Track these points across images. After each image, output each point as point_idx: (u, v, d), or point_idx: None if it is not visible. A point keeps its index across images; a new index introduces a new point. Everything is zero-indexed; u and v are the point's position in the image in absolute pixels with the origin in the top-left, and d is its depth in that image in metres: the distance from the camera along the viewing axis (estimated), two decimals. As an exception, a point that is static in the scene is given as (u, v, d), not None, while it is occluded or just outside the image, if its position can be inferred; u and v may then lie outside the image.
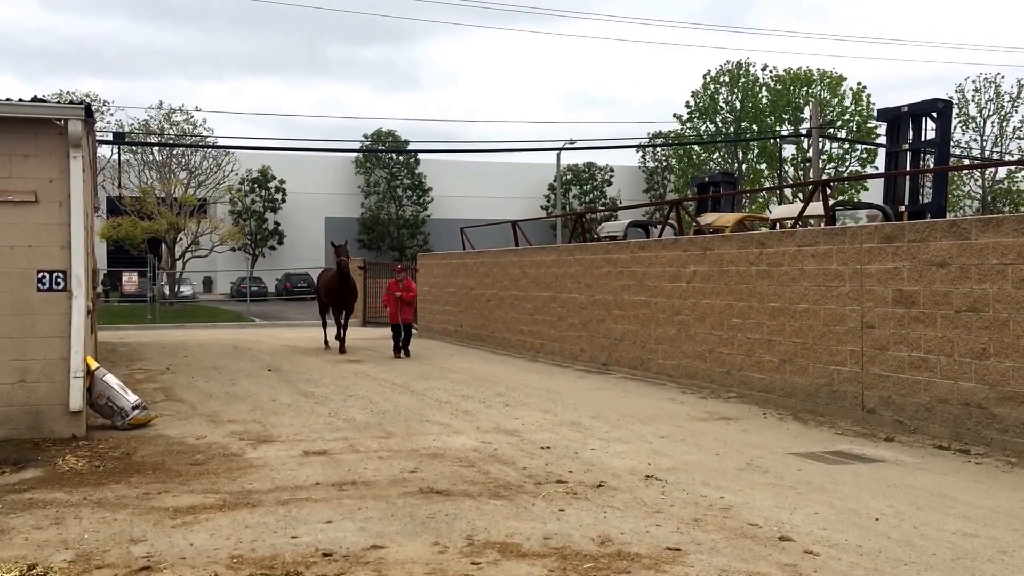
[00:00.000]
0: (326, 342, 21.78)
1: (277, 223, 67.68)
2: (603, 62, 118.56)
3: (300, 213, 68.88)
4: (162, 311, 37.73)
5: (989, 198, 60.27)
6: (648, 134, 70.26)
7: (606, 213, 57.26)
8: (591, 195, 73.26)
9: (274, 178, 67.08)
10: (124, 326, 30.91)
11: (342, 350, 20.23)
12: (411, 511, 7.05)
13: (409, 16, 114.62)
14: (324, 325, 22.11)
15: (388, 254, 68.02)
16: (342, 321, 20.74)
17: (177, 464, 8.79)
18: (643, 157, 73.37)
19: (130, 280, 45.50)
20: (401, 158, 70.04)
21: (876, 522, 6.84)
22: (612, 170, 73.74)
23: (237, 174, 59.84)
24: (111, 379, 10.86)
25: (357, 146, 68.08)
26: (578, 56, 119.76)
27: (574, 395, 13.41)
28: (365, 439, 10.02)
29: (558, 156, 57.70)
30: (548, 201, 72.57)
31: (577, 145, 51.09)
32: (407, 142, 68.41)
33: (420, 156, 69.54)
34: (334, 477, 8.18)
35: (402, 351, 19.44)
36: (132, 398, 10.80)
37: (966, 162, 48.03)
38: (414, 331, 21.61)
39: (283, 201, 67.69)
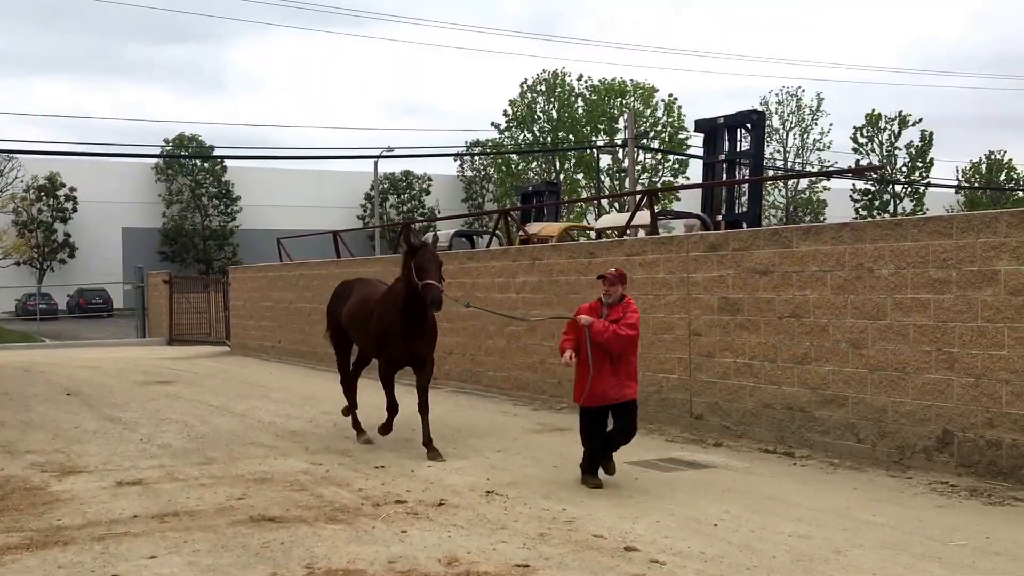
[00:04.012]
0: (356, 423, 11.11)
1: (68, 234, 63.34)
2: (422, 68, 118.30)
3: (94, 224, 64.67)
4: (-60, 331, 34.53)
5: (792, 208, 64.08)
6: (466, 143, 70.72)
7: (430, 223, 57.07)
8: (409, 204, 72.93)
9: (63, 185, 62.75)
10: None
11: (429, 449, 9.70)
12: (243, 541, 6.62)
13: (213, 14, 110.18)
14: (348, 385, 11.45)
15: (193, 267, 65.10)
16: (420, 385, 10.13)
17: (-30, 502, 7.90)
18: (461, 166, 73.76)
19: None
20: (206, 165, 67.11)
21: (715, 528, 6.97)
22: (430, 179, 73.75)
23: (22, 181, 55.86)
24: None
25: (157, 151, 64.55)
26: (397, 62, 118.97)
27: (405, 411, 13.04)
28: (184, 466, 9.37)
29: (375, 164, 57.08)
30: (365, 210, 71.65)
31: (395, 153, 50.60)
32: (212, 148, 65.49)
33: (228, 163, 66.87)
34: (153, 508, 7.59)
35: (603, 463, 8.57)
36: (-88, 429, 9.66)
37: (770, 173, 50.89)
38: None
39: (74, 211, 63.43)
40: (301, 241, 28.53)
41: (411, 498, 7.89)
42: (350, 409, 11.29)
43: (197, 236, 67.64)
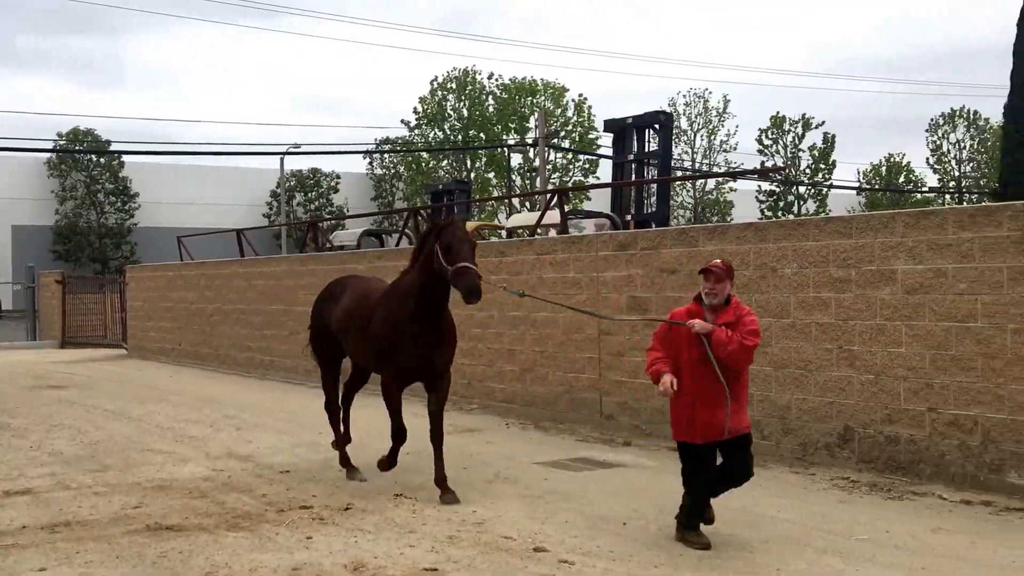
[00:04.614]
0: (344, 457, 9.00)
1: (-47, 233, 60.49)
2: (331, 64, 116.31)
3: (-19, 222, 61.81)
4: None
5: (699, 208, 65.14)
6: (376, 140, 69.96)
7: (338, 222, 56.36)
8: (317, 203, 71.78)
9: (-53, 181, 59.84)
10: None
11: (443, 489, 7.85)
12: (139, 551, 6.41)
13: (113, 5, 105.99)
14: (335, 411, 9.36)
15: (88, 266, 62.74)
16: (433, 407, 8.20)
17: None
18: (371, 164, 72.93)
19: None
20: (102, 160, 64.66)
21: (624, 527, 7.00)
22: (339, 177, 72.68)
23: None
24: None
25: (50, 146, 61.77)
26: (305, 57, 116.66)
27: (311, 414, 12.77)
28: (77, 474, 9.01)
29: (281, 161, 56.12)
30: (271, 208, 70.27)
31: (302, 150, 49.83)
32: (109, 142, 63.11)
33: (125, 159, 64.42)
34: (44, 518, 7.29)
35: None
36: None
37: (680, 173, 51.65)
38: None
39: (-41, 207, 60.58)
40: (204, 240, 27.88)
41: (317, 503, 7.74)
42: (340, 443, 9.08)
43: (92, 234, 65.13)
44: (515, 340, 12.37)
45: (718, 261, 6.57)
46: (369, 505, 7.65)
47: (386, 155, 69.80)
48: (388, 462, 8.47)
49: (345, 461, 8.95)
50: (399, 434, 8.26)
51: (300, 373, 17.22)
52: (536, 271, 12.03)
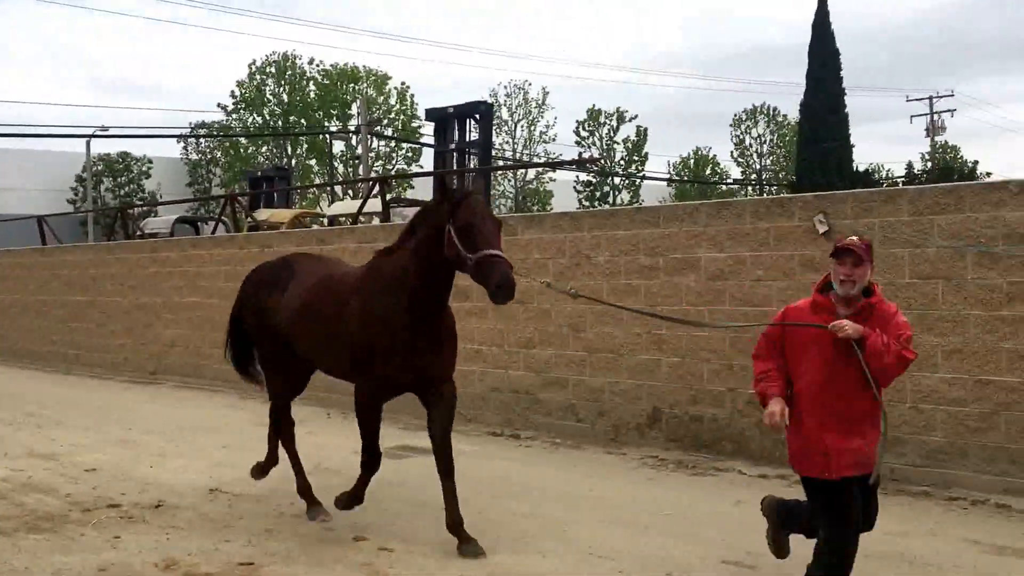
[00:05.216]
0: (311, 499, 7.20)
1: None
2: (141, 44, 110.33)
3: None
4: None
5: (521, 197, 66.05)
6: (190, 124, 67.26)
7: (149, 208, 53.89)
8: (127, 188, 68.34)
9: None
10: None
11: (461, 538, 6.20)
12: (-74, 560, 5.99)
13: None
14: (281, 429, 7.87)
15: None
16: (436, 431, 6.67)
17: None
18: (185, 148, 70.01)
19: None
20: None
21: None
22: (151, 161, 69.37)
23: None
24: None
25: None
26: (112, 35, 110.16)
27: (120, 409, 12.30)
28: None
29: (88, 144, 53.21)
30: (77, 194, 66.46)
31: (110, 133, 47.38)
32: None
33: (-89, 139, 59.49)
34: None
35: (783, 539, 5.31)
36: None
37: (500, 163, 52.09)
38: None
39: None
40: (3, 227, 26.21)
41: (126, 501, 7.46)
42: (268, 465, 7.59)
43: None
44: (336, 329, 12.25)
45: (855, 238, 4.82)
46: (183, 502, 7.45)
47: (202, 140, 67.22)
48: (352, 496, 6.66)
49: (310, 499, 7.26)
50: (372, 461, 6.62)
51: (108, 367, 16.47)
52: (357, 260, 11.93)
